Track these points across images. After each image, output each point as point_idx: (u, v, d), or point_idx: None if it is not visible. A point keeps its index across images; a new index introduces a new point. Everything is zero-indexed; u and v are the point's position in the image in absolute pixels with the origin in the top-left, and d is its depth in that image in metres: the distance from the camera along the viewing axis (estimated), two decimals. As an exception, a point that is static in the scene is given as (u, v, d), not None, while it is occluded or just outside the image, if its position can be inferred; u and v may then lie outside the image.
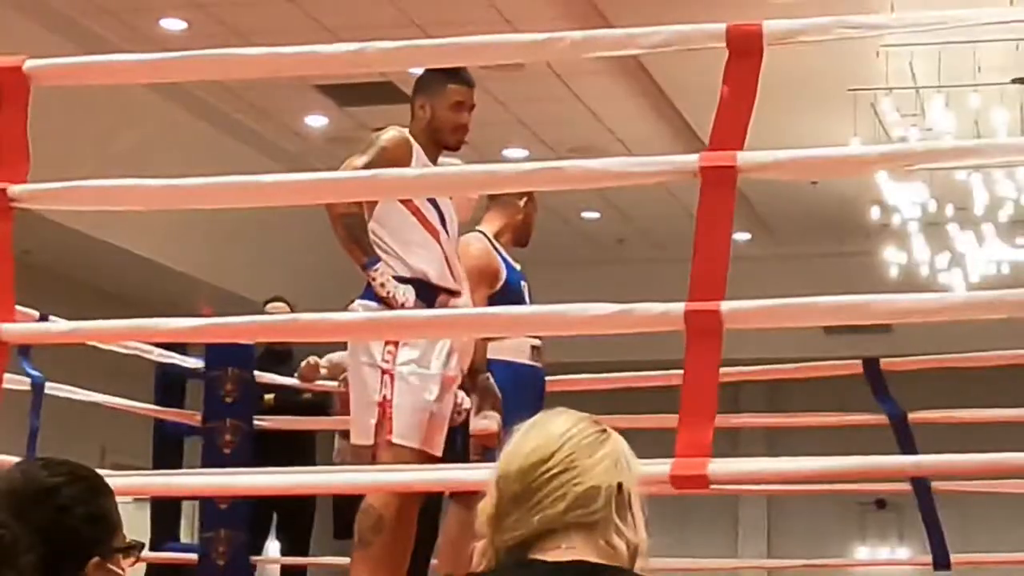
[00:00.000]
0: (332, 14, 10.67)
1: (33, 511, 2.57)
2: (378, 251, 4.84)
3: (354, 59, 4.09)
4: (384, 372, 4.77)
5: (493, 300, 5.50)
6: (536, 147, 13.36)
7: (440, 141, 4.99)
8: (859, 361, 6.45)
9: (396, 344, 4.77)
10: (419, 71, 5.13)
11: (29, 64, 4.05)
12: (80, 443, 11.23)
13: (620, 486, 2.23)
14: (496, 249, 5.70)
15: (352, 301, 4.94)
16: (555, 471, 2.21)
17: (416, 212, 4.88)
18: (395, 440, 4.74)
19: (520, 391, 5.50)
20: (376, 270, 4.73)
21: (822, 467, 3.59)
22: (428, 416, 4.82)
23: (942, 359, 6.53)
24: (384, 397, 4.77)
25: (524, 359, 5.66)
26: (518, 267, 5.76)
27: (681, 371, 3.50)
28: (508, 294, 5.57)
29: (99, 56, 4.54)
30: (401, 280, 4.81)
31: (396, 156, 4.78)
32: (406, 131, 4.94)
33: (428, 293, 4.88)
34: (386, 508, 4.72)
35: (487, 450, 5.21)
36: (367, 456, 4.83)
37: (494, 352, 5.48)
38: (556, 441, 2.23)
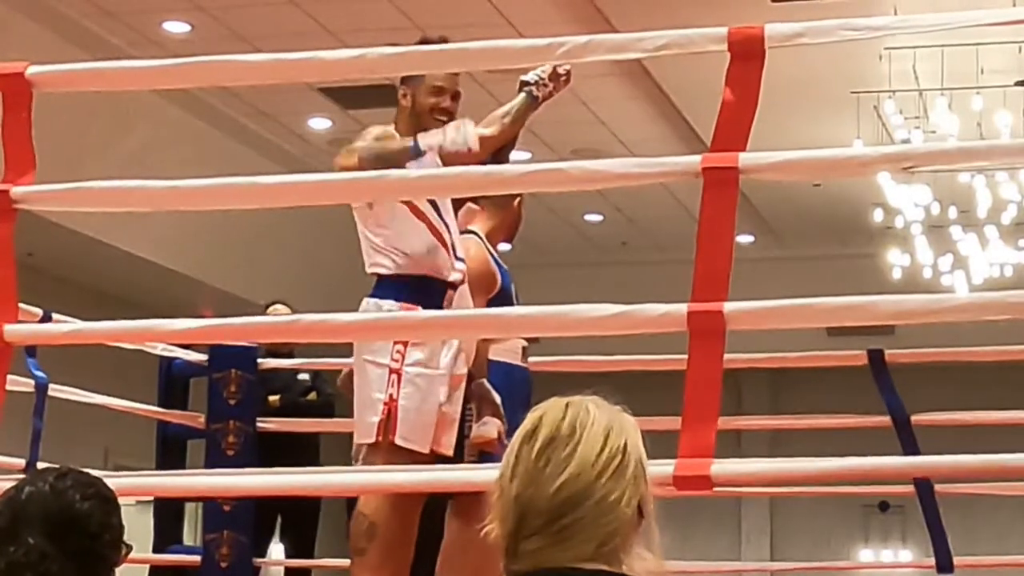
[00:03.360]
0: (335, 17, 10.67)
1: (68, 538, 2.69)
2: (386, 254, 4.85)
3: (355, 65, 4.09)
4: (392, 372, 4.74)
5: (489, 304, 5.50)
6: (539, 149, 13.35)
7: (422, 127, 4.91)
8: (863, 352, 6.48)
9: (406, 344, 4.76)
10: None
11: (32, 71, 4.06)
12: (83, 445, 11.25)
13: (640, 508, 2.18)
14: (489, 252, 5.70)
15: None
16: (588, 515, 2.12)
17: (416, 211, 4.87)
18: (398, 441, 4.69)
19: (515, 393, 5.49)
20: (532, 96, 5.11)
21: (825, 468, 3.59)
22: (435, 418, 4.79)
23: (947, 352, 6.53)
24: (390, 396, 4.73)
25: (517, 360, 5.66)
26: (506, 268, 5.77)
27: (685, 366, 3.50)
28: (503, 297, 5.57)
29: (101, 63, 4.56)
30: (415, 278, 4.81)
31: None
32: (391, 127, 4.92)
33: (439, 290, 4.88)
34: (377, 513, 4.66)
35: (484, 455, 5.19)
36: (371, 455, 4.78)
37: (491, 354, 5.47)
38: (589, 472, 2.14)
